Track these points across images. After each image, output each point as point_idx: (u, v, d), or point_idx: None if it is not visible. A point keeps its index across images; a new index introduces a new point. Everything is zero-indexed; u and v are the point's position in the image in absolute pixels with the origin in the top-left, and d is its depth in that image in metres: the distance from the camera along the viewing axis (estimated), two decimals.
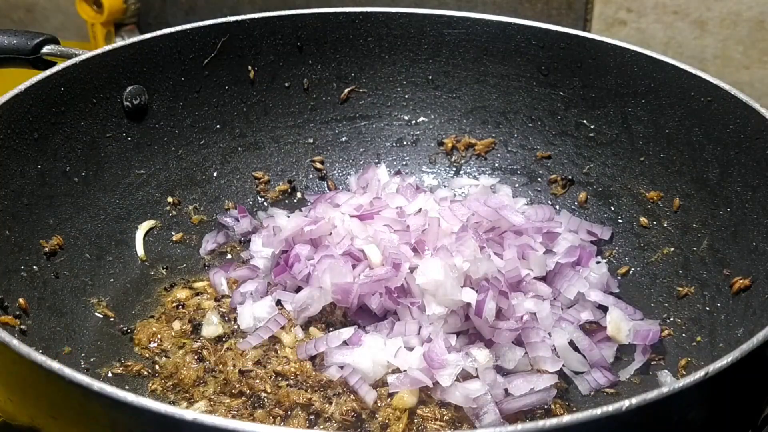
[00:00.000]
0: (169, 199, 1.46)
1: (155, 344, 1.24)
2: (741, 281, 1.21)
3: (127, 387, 1.17)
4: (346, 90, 1.55)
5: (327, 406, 1.12)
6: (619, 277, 1.38)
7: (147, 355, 1.23)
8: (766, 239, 1.19)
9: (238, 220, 1.45)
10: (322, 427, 1.10)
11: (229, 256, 1.43)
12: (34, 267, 1.24)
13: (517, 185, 1.52)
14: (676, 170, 1.37)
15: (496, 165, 1.53)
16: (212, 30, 1.45)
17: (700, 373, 0.83)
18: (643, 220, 1.40)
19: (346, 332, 1.19)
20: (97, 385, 0.79)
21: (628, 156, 1.43)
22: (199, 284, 1.36)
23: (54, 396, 0.85)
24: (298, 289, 1.28)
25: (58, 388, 0.82)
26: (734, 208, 1.27)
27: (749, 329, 1.13)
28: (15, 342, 0.84)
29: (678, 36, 1.69)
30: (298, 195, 1.55)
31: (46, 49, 1.40)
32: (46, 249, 1.27)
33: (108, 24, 2.09)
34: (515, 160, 1.53)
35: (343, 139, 1.57)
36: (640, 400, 0.80)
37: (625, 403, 0.80)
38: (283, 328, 1.23)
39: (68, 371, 0.80)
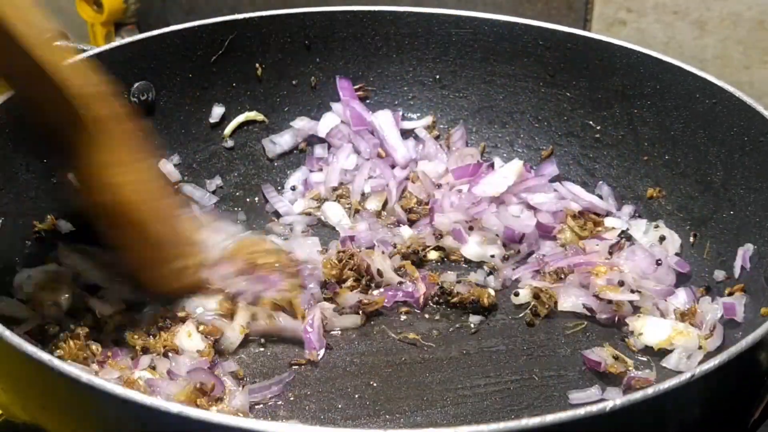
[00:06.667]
0: None
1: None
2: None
3: None
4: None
5: None
6: None
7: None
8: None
9: None
10: None
11: None
12: None
13: None
14: (680, 172, 1.36)
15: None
16: (220, 27, 1.46)
17: (686, 375, 0.83)
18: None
19: None
20: (85, 376, 0.80)
21: (633, 157, 1.43)
22: None
23: (43, 387, 0.86)
24: None
25: (48, 379, 0.83)
26: (737, 210, 1.26)
27: (749, 332, 1.13)
28: (7, 333, 0.85)
29: (678, 36, 1.68)
30: None
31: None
32: None
33: (108, 24, 2.10)
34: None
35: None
36: (625, 400, 0.80)
37: (609, 404, 0.80)
38: None
39: (57, 362, 0.81)
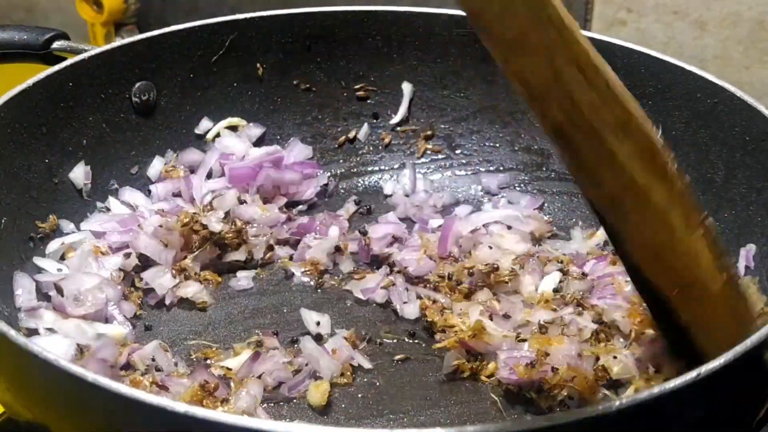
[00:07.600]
0: None
1: None
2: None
3: None
4: (354, 88, 1.56)
5: None
6: None
7: None
8: None
9: None
10: None
11: None
12: None
13: (522, 184, 1.52)
14: None
15: (502, 164, 1.53)
16: (221, 27, 1.46)
17: (692, 374, 0.83)
18: None
19: None
20: (91, 376, 0.80)
21: None
22: None
23: (49, 386, 0.86)
24: None
25: (54, 378, 0.83)
26: (738, 210, 1.26)
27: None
28: (12, 332, 0.85)
29: (678, 36, 1.69)
30: None
31: (56, 45, 1.41)
32: None
33: (108, 24, 2.10)
34: (521, 159, 1.53)
35: (351, 136, 1.57)
36: (631, 399, 0.80)
37: (616, 403, 0.80)
38: None
39: (63, 362, 0.81)
